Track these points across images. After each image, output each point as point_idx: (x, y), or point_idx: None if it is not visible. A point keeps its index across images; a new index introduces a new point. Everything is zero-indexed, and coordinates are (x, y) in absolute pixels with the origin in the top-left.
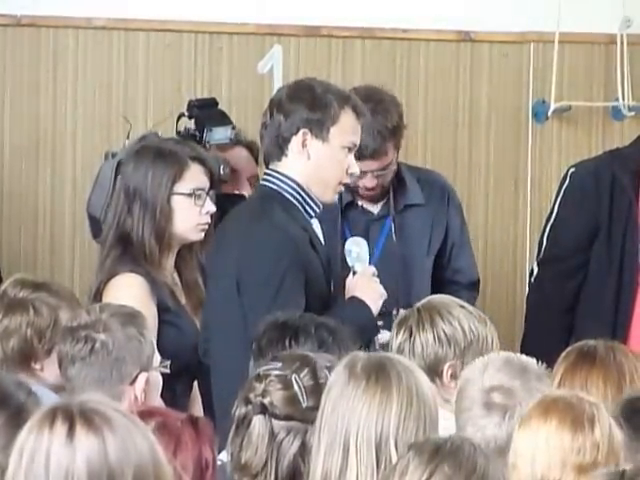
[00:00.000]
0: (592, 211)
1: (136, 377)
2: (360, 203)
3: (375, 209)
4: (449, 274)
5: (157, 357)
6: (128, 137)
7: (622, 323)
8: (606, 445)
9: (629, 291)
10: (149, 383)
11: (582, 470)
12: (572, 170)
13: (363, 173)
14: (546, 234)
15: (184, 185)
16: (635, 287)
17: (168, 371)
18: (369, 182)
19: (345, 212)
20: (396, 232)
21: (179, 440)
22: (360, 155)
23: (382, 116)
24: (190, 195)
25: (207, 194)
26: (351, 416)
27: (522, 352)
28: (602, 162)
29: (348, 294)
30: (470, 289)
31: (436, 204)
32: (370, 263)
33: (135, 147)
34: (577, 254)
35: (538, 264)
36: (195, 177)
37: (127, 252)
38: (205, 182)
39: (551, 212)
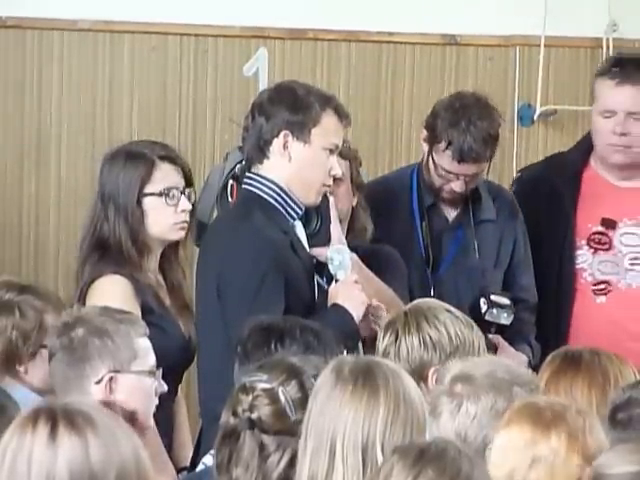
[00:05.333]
0: (532, 217)
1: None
2: (442, 207)
3: (450, 216)
4: (515, 291)
5: (149, 362)
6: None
7: (563, 329)
8: (563, 454)
9: (568, 297)
10: (120, 385)
11: (546, 476)
12: (517, 175)
13: (457, 176)
14: None
15: (154, 185)
16: (573, 293)
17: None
18: (459, 186)
19: (425, 214)
20: (469, 245)
21: None
22: (462, 158)
23: (488, 122)
24: (161, 195)
25: (182, 192)
26: (338, 420)
27: None
28: (542, 168)
29: (330, 302)
30: (533, 311)
31: (505, 220)
32: (438, 272)
33: (109, 152)
34: None
35: None
36: (165, 176)
37: (106, 256)
38: (178, 181)
39: None
